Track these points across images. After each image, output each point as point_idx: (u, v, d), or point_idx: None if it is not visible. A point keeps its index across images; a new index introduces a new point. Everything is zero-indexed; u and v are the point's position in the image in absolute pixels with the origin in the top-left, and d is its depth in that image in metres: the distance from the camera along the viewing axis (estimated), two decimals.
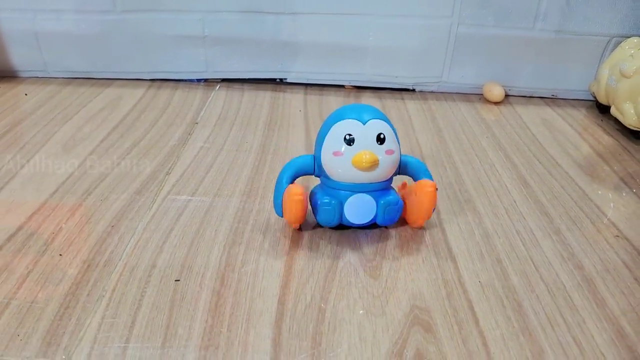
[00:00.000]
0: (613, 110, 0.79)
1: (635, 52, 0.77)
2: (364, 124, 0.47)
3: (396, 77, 0.88)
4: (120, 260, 0.47)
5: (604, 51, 0.86)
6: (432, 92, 0.90)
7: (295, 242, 0.50)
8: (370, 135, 0.47)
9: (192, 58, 0.87)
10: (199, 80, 0.89)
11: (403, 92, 0.89)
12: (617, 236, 0.54)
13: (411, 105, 0.85)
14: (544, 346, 0.40)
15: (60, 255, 0.47)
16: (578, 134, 0.77)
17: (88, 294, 0.43)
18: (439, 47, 0.86)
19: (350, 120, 0.47)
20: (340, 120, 0.48)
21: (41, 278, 0.44)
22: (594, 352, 0.40)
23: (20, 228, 0.51)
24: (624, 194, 0.62)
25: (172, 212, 0.54)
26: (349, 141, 0.47)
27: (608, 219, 0.57)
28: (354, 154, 0.47)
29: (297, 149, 0.68)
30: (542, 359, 0.39)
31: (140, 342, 0.39)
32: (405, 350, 0.39)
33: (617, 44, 0.83)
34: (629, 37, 0.82)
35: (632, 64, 0.75)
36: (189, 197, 0.57)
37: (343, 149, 0.47)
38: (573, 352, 0.40)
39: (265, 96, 0.85)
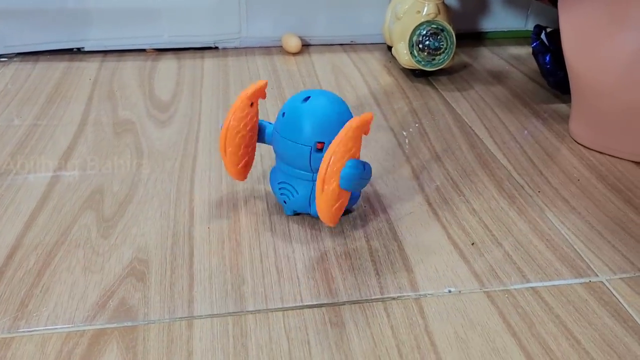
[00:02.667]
0: (393, 52, 0.83)
1: None
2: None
3: (195, 36, 0.89)
4: None
5: None
6: (235, 48, 0.92)
7: (37, 211, 0.51)
8: None
9: None
10: None
11: (205, 51, 0.90)
12: None
13: (209, 63, 0.86)
14: (246, 278, 0.44)
15: None
16: (362, 77, 0.82)
17: None
18: (232, 2, 0.87)
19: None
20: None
21: None
22: (290, 276, 0.45)
23: None
24: (381, 131, 0.67)
25: None
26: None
27: None
28: None
29: (73, 116, 0.68)
30: (240, 290, 0.43)
31: None
32: (110, 301, 0.42)
33: None
34: None
35: (403, 6, 0.80)
36: None
37: None
38: (272, 278, 0.44)
39: (58, 67, 0.83)
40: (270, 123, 0.51)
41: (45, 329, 0.40)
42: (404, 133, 0.66)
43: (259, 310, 0.42)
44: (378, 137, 0.65)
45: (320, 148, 0.46)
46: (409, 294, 0.43)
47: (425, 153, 0.62)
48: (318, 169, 0.45)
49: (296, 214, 0.51)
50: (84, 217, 0.51)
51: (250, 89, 0.49)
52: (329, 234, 0.49)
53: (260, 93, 0.50)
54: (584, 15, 0.60)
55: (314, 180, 0.47)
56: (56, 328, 0.40)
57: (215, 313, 0.41)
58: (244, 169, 0.51)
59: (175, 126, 0.67)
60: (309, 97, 0.47)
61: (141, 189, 0.55)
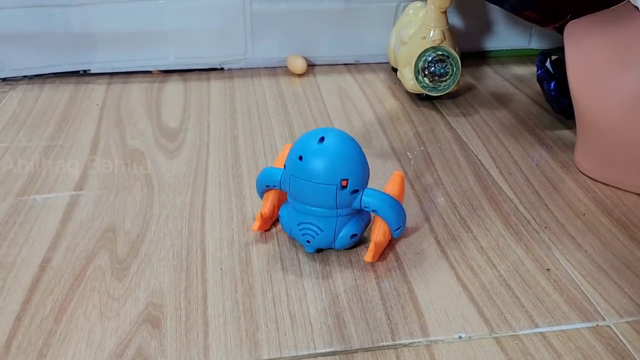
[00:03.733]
0: (398, 75, 0.84)
1: (413, 18, 0.82)
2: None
3: (201, 57, 0.90)
4: None
5: (395, 16, 0.91)
6: (240, 69, 0.92)
7: (50, 252, 0.52)
8: None
9: None
10: None
11: (211, 72, 0.91)
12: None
13: (215, 85, 0.86)
14: (260, 324, 0.45)
15: None
16: (367, 101, 0.82)
17: None
18: (237, 24, 0.88)
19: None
20: None
21: None
22: (303, 321, 0.45)
23: None
24: (388, 161, 0.68)
25: None
26: None
27: None
28: None
29: (82, 146, 0.69)
30: (254, 337, 0.44)
31: None
32: (127, 350, 0.43)
33: (405, 8, 0.88)
34: (413, 2, 0.86)
35: (409, 30, 0.80)
36: None
37: None
38: (285, 324, 0.45)
39: (65, 91, 0.84)
40: (276, 168, 0.52)
41: None
42: (410, 161, 0.67)
43: (274, 359, 0.42)
44: (386, 167, 0.66)
45: (345, 185, 0.48)
46: (420, 340, 0.44)
47: (432, 185, 0.63)
48: (343, 204, 0.48)
49: (319, 251, 0.52)
50: (98, 257, 0.52)
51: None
52: (340, 276, 0.50)
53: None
54: (589, 50, 0.61)
55: (338, 216, 0.49)
56: None
57: None
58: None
59: (183, 157, 0.67)
60: (323, 137, 0.49)
61: (153, 226, 0.56)
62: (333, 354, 0.43)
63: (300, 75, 0.90)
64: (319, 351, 0.43)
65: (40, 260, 0.51)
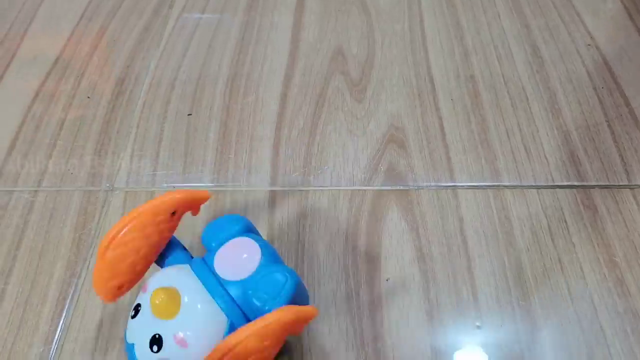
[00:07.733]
0: None
1: None
2: None
3: None
4: (139, 99, 0.54)
5: None
6: None
7: (289, 71, 0.56)
8: None
9: None
10: None
11: None
12: (589, 45, 0.58)
13: None
14: (497, 154, 0.48)
15: (89, 97, 0.55)
16: None
17: (117, 132, 0.52)
18: None
19: None
20: None
21: (75, 124, 0.53)
22: (539, 156, 0.48)
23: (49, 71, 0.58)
24: (608, 1, 0.64)
25: (179, 48, 0.60)
26: None
27: (585, 28, 0.60)
28: None
29: None
30: (494, 165, 0.48)
31: (165, 169, 0.48)
32: (380, 165, 0.48)
33: None
34: None
35: None
36: (199, 18, 0.61)
37: None
38: (521, 157, 0.48)
39: None
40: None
41: (332, 188, 0.47)
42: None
43: (515, 185, 0.46)
44: (607, 8, 0.63)
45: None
46: None
47: None
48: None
49: None
50: (334, 79, 0.55)
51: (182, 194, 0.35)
52: (569, 114, 0.51)
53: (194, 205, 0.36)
54: None
55: None
56: (340, 187, 0.47)
57: (475, 184, 0.46)
58: (118, 290, 0.34)
59: None
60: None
61: (378, 52, 0.58)
62: (571, 187, 0.46)
63: None
64: (557, 184, 0.46)
65: (282, 77, 0.56)
